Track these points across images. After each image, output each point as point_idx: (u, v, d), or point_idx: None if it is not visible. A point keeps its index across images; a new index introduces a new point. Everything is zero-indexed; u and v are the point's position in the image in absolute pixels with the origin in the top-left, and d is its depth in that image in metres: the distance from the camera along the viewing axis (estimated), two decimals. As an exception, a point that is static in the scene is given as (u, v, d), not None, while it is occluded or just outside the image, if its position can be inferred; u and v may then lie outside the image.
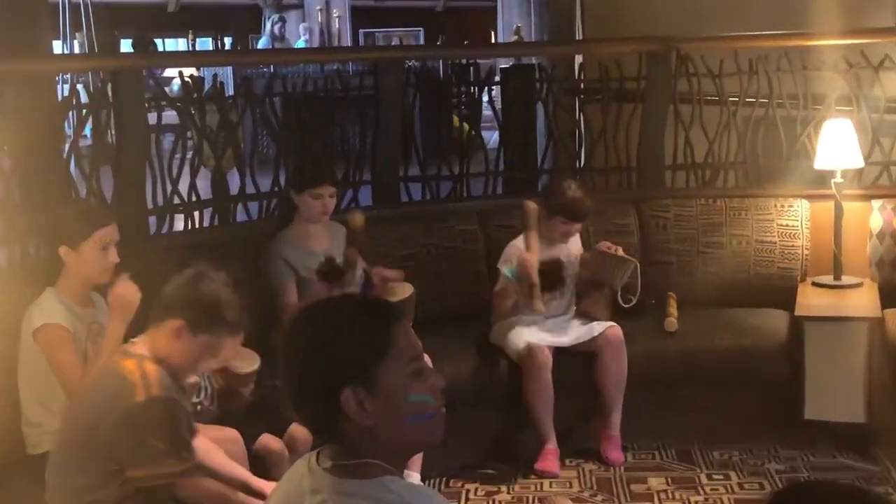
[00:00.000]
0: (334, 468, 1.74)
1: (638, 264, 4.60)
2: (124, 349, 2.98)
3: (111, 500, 2.83)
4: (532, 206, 4.60)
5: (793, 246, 5.07)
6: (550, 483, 4.42)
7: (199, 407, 3.58)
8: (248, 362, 3.66)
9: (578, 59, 6.21)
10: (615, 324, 4.57)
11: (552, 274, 4.49)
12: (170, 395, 2.86)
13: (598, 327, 4.54)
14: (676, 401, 4.72)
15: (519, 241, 4.60)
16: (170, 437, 2.82)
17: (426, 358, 1.84)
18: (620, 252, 4.56)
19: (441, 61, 10.47)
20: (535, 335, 4.48)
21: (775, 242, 5.09)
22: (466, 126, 5.95)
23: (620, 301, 4.61)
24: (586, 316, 4.60)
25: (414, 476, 4.03)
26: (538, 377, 4.41)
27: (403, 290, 4.35)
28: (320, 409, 1.74)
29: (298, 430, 3.69)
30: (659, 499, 4.26)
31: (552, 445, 4.49)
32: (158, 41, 18.63)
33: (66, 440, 2.95)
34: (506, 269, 4.52)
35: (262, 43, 15.97)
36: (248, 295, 4.13)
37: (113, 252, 3.54)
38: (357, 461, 1.72)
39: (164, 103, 4.83)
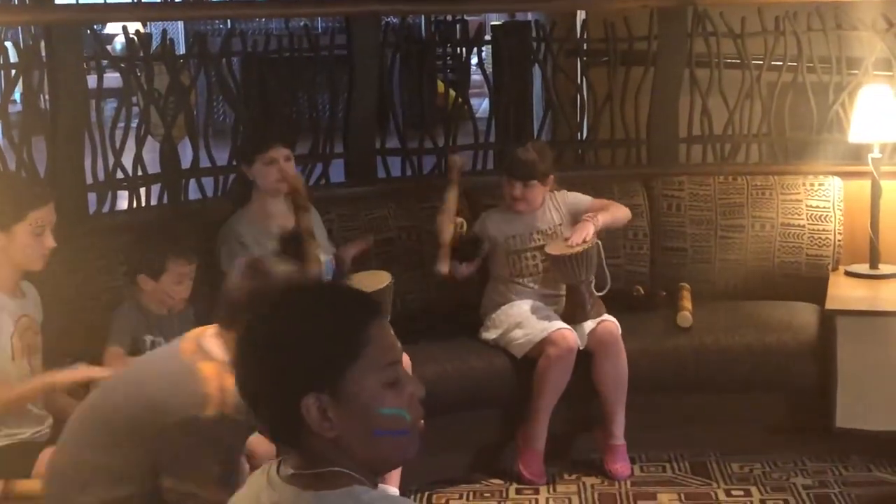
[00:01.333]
0: (296, 478, 1.72)
1: (599, 242, 4.58)
2: (200, 343, 2.91)
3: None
4: (455, 157, 4.81)
5: (824, 230, 5.09)
6: (547, 501, 4.44)
7: None
8: None
9: (581, 15, 6.19)
10: (610, 317, 4.58)
11: (466, 246, 4.59)
12: (241, 421, 2.83)
13: (589, 324, 4.55)
14: (690, 406, 4.74)
15: (492, 211, 4.77)
16: (225, 464, 2.84)
17: (405, 360, 1.82)
18: (574, 242, 4.55)
19: (423, 17, 10.46)
20: (555, 322, 4.50)
21: (804, 226, 5.10)
22: (452, 92, 5.94)
23: (595, 291, 4.62)
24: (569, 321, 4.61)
25: (391, 491, 4.02)
26: (560, 363, 4.43)
27: (378, 279, 4.34)
28: (279, 417, 1.72)
29: (259, 443, 3.69)
30: (670, 517, 4.30)
31: (541, 447, 4.52)
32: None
33: (100, 411, 2.94)
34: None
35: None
36: (203, 284, 4.17)
37: (49, 236, 3.53)
38: (322, 470, 1.71)
39: (105, 63, 4.80)
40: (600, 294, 4.64)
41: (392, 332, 1.78)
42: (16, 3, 4.83)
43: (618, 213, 4.73)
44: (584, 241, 4.51)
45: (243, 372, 1.75)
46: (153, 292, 3.87)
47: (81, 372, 3.47)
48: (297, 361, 1.68)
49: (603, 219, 4.62)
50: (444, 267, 4.53)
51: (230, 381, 2.83)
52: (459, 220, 4.62)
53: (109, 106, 5.11)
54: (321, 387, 1.67)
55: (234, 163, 4.95)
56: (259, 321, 1.75)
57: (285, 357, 1.69)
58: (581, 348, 4.49)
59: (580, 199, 4.80)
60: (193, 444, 2.78)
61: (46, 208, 3.55)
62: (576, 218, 4.70)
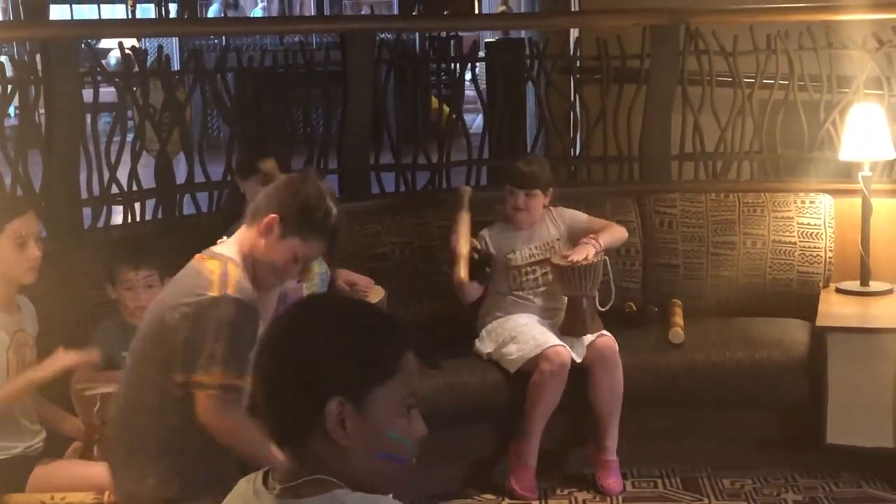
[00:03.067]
0: (284, 492, 1.76)
1: (606, 258, 4.63)
2: (211, 249, 3.14)
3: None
4: (466, 188, 4.86)
5: (815, 247, 5.11)
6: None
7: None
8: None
9: (574, 33, 6.21)
10: (607, 332, 4.60)
11: (477, 267, 4.59)
12: (245, 301, 2.97)
13: (588, 338, 4.57)
14: (682, 422, 4.75)
15: (491, 227, 4.79)
16: (229, 344, 2.91)
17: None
18: (574, 261, 4.58)
19: (418, 33, 10.49)
20: (550, 337, 4.51)
21: (795, 243, 5.12)
22: (446, 108, 5.95)
23: (598, 306, 4.64)
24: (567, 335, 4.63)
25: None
26: (553, 379, 4.44)
27: (373, 295, 4.36)
28: (296, 411, 1.75)
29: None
30: (661, 533, 4.30)
31: (534, 462, 4.52)
32: (94, 6, 18.61)
33: (140, 335, 3.12)
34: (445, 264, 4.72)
35: (212, 10, 15.92)
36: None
37: (33, 247, 3.52)
38: (305, 479, 1.75)
39: (100, 79, 4.81)
40: (603, 309, 4.65)
41: (417, 367, 1.84)
42: (10, 16, 4.85)
43: (616, 234, 4.76)
44: (586, 259, 4.54)
45: (278, 362, 1.78)
46: (120, 302, 3.88)
47: (54, 363, 3.45)
48: (336, 363, 1.74)
49: (603, 240, 4.66)
50: (465, 273, 4.53)
51: (234, 269, 2.98)
52: (473, 241, 4.64)
53: (104, 120, 5.11)
54: (349, 394, 1.73)
55: (229, 178, 4.97)
56: (311, 318, 1.80)
57: (327, 355, 1.74)
58: (579, 361, 4.50)
59: (577, 216, 4.83)
60: (197, 327, 2.92)
61: (25, 218, 3.53)
62: (573, 234, 4.73)
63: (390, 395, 1.77)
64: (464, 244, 4.58)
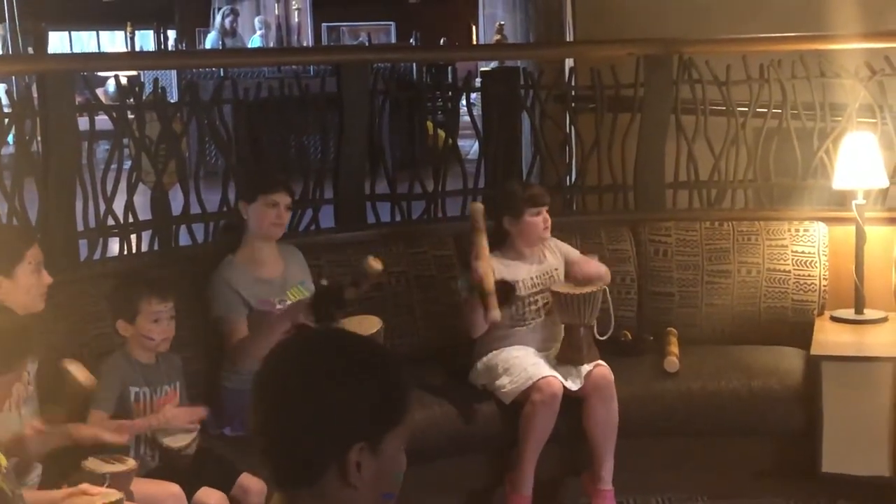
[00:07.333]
0: None
1: (606, 288, 4.64)
2: None
3: None
4: (478, 205, 4.72)
5: (809, 275, 5.11)
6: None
7: (139, 459, 3.66)
8: (180, 434, 3.78)
9: (569, 62, 6.25)
10: (603, 362, 4.60)
11: (502, 294, 4.51)
12: None
13: (584, 367, 4.57)
14: (677, 451, 4.75)
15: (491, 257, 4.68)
16: None
17: None
18: (591, 270, 4.59)
19: (414, 63, 10.53)
20: (542, 369, 4.50)
21: (789, 271, 5.13)
22: (442, 133, 5.97)
23: (597, 335, 4.64)
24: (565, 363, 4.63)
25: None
26: (544, 409, 4.43)
27: (369, 324, 4.35)
28: (315, 459, 1.73)
29: (251, 481, 3.77)
30: (657, 563, 4.29)
31: (529, 493, 4.51)
32: (93, 34, 18.66)
33: None
34: (460, 280, 4.64)
35: (210, 39, 15.98)
36: (194, 330, 4.18)
37: (45, 272, 3.60)
38: None
39: (97, 112, 4.82)
40: (602, 338, 4.66)
41: None
42: (9, 45, 4.87)
43: (601, 271, 4.76)
44: (592, 284, 4.55)
45: (288, 404, 1.74)
46: (134, 338, 3.86)
47: (98, 433, 3.53)
48: (358, 410, 1.73)
49: (601, 267, 4.70)
50: (497, 314, 4.44)
51: None
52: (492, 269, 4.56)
53: (101, 149, 5.12)
54: (369, 438, 1.73)
55: (225, 208, 4.98)
56: (317, 357, 1.78)
57: (349, 402, 1.72)
58: (575, 390, 4.50)
59: (571, 250, 4.87)
60: None
61: (36, 245, 3.62)
62: (567, 267, 4.75)
63: (399, 436, 1.77)
64: (490, 279, 4.47)
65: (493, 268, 4.52)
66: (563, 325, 4.68)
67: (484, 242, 4.57)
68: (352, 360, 1.78)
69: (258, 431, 1.77)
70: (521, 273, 4.71)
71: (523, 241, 4.73)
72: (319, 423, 1.72)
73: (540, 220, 4.69)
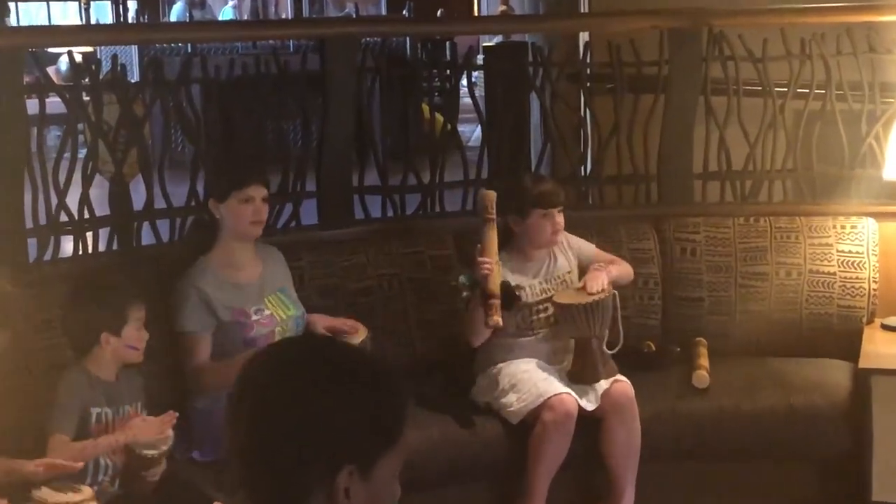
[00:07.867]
0: None
1: (615, 293, 4.62)
2: None
3: None
4: (490, 192, 4.67)
5: (857, 278, 5.12)
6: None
7: (96, 487, 3.67)
8: (156, 442, 3.76)
9: (583, 37, 6.24)
10: (622, 377, 4.59)
11: (504, 298, 4.52)
12: None
13: (602, 384, 4.56)
14: (707, 477, 4.75)
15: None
16: None
17: None
18: (592, 290, 4.58)
19: (408, 38, 10.51)
20: (554, 385, 4.49)
21: (834, 273, 5.13)
22: (440, 117, 5.96)
23: (605, 348, 4.64)
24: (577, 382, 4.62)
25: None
26: (557, 431, 4.42)
27: (354, 334, 4.36)
28: (301, 479, 1.74)
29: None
30: None
31: None
32: (42, 4, 18.66)
33: None
34: (462, 275, 4.61)
35: (176, 10, 16.00)
36: (160, 340, 4.17)
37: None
38: None
39: (48, 93, 4.81)
40: (611, 352, 4.65)
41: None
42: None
43: (623, 270, 4.76)
44: (601, 290, 4.54)
45: (268, 421, 1.74)
46: (115, 350, 3.86)
47: (49, 464, 3.56)
48: (348, 430, 1.73)
49: (615, 271, 4.67)
50: (499, 320, 4.46)
51: None
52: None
53: (53, 134, 5.11)
54: (360, 461, 1.74)
55: (193, 203, 4.97)
56: (301, 371, 1.77)
57: (337, 422, 1.73)
58: (591, 410, 4.49)
59: (585, 245, 4.85)
60: None
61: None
62: (582, 265, 4.74)
63: (392, 459, 1.78)
64: (497, 278, 4.49)
65: (500, 271, 4.52)
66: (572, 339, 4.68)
67: (494, 235, 4.57)
68: (339, 368, 1.77)
69: (234, 453, 1.76)
70: (528, 278, 4.71)
71: (529, 243, 4.73)
72: (303, 440, 1.72)
73: (548, 222, 4.68)
